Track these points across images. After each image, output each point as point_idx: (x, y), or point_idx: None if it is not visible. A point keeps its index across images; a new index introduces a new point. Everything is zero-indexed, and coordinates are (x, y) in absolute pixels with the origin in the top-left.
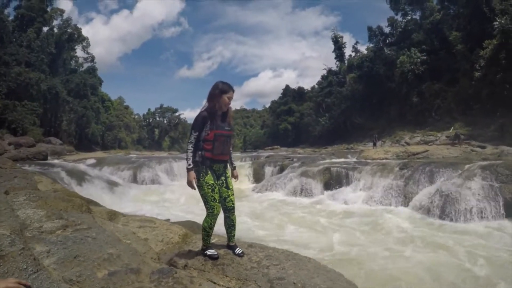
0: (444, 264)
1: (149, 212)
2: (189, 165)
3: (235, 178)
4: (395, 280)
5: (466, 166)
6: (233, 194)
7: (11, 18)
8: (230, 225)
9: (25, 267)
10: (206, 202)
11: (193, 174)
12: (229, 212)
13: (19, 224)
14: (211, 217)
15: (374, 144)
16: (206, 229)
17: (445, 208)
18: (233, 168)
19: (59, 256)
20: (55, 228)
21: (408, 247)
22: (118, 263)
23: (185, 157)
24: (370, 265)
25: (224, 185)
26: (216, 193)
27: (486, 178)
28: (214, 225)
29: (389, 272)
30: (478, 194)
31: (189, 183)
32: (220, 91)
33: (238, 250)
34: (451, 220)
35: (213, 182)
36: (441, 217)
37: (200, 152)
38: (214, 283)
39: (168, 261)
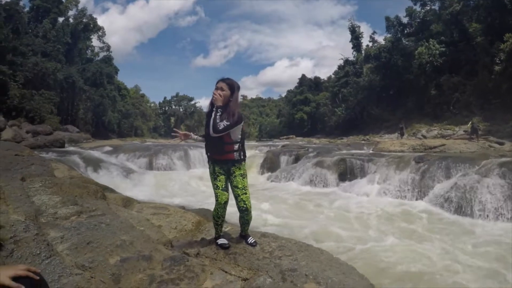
0: (459, 262)
1: (164, 199)
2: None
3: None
4: (407, 276)
5: (483, 162)
6: (244, 194)
7: (26, 9)
8: (244, 222)
9: (38, 252)
10: (214, 191)
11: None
12: (243, 213)
13: (34, 210)
14: (216, 205)
15: (401, 134)
16: (215, 218)
17: (461, 204)
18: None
19: (73, 242)
20: (69, 214)
21: (419, 241)
22: (131, 249)
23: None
24: (382, 259)
25: (232, 184)
26: (219, 181)
27: (503, 175)
28: (222, 215)
29: (402, 268)
30: (495, 191)
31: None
32: (237, 87)
33: (250, 240)
34: (466, 216)
35: (214, 171)
36: (456, 212)
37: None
38: (226, 272)
39: (180, 248)
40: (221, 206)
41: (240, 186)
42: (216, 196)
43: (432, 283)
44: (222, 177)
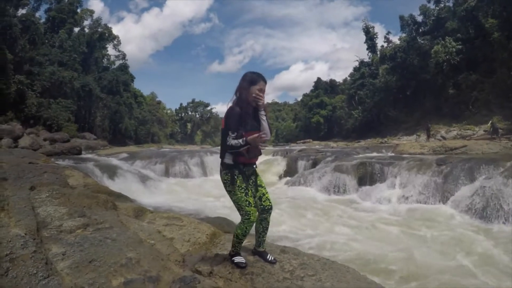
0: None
1: (179, 206)
2: (243, 140)
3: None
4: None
5: (508, 164)
6: (267, 192)
7: (42, 20)
8: (264, 228)
9: (35, 272)
10: (240, 208)
11: (252, 136)
12: (267, 213)
13: (36, 223)
14: (246, 224)
15: (428, 135)
16: (239, 236)
17: (487, 208)
18: None
19: (74, 260)
20: (75, 227)
21: (444, 252)
22: (137, 269)
23: (219, 143)
24: (411, 274)
25: (256, 184)
26: (250, 196)
27: None
28: (248, 233)
29: (430, 281)
30: None
31: (258, 142)
32: (248, 82)
33: (270, 257)
34: (492, 221)
35: (245, 185)
36: (482, 217)
37: (232, 155)
38: None
39: (193, 265)
40: (251, 224)
41: (263, 184)
42: (248, 214)
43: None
44: (251, 192)
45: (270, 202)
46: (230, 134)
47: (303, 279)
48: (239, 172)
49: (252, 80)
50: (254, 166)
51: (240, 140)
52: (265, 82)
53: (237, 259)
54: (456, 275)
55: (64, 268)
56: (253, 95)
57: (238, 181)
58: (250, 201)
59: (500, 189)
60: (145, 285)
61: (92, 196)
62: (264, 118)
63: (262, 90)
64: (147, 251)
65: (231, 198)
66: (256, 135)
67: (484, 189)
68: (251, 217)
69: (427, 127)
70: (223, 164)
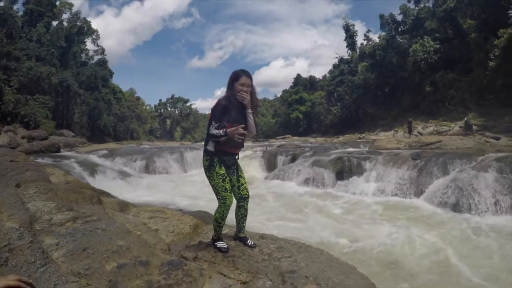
0: (458, 259)
1: (161, 202)
2: (223, 131)
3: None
4: (406, 275)
5: (480, 158)
6: (246, 183)
7: (20, 13)
8: (243, 215)
9: (33, 260)
10: (217, 193)
11: (232, 129)
12: (244, 201)
13: (28, 217)
14: (223, 207)
15: (409, 130)
16: (218, 220)
17: (459, 200)
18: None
19: (68, 249)
20: (65, 220)
21: (417, 240)
22: (127, 255)
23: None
24: (382, 258)
25: (236, 174)
26: (227, 183)
27: (501, 170)
28: (226, 216)
29: (401, 266)
30: (493, 186)
31: (236, 134)
32: (231, 80)
33: (249, 242)
34: (464, 212)
35: (223, 172)
36: (454, 209)
37: (214, 143)
38: (224, 275)
39: (178, 252)
40: (227, 208)
41: (243, 175)
42: (224, 199)
43: (430, 281)
44: (228, 179)
45: (247, 192)
46: (213, 123)
47: (280, 260)
48: (218, 160)
49: (234, 77)
50: (236, 157)
51: (221, 131)
52: (248, 77)
53: (220, 244)
54: (426, 263)
55: (59, 257)
56: (238, 93)
57: (216, 168)
58: (227, 187)
59: (472, 182)
60: (136, 268)
61: (78, 191)
62: (251, 116)
63: (246, 84)
64: (135, 239)
65: (209, 183)
66: (234, 128)
67: (457, 181)
68: (227, 201)
69: (409, 122)
70: (205, 151)
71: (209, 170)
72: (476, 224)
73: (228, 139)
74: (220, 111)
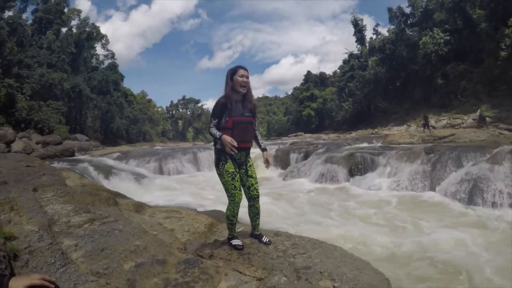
0: (473, 255)
1: (175, 202)
2: (219, 135)
3: (266, 163)
4: (421, 270)
5: (494, 150)
6: (257, 183)
7: (29, 22)
8: (255, 213)
9: (53, 261)
10: (227, 190)
11: (227, 137)
12: (254, 201)
13: (47, 220)
14: (232, 205)
15: (425, 125)
16: (230, 218)
17: (473, 193)
18: (263, 149)
19: (87, 249)
20: (82, 222)
21: (432, 234)
22: (145, 254)
23: (212, 139)
24: (396, 254)
25: (247, 174)
26: (237, 181)
27: None
28: (237, 213)
29: (416, 262)
30: (508, 179)
31: (227, 145)
32: (230, 74)
33: (265, 239)
34: (479, 205)
35: (233, 170)
36: (469, 202)
37: (220, 141)
38: (240, 272)
39: (194, 251)
40: (237, 205)
41: (254, 175)
42: (233, 196)
43: (445, 277)
44: (238, 177)
45: (257, 192)
46: (212, 121)
47: (294, 256)
48: (228, 157)
49: (232, 72)
50: (248, 153)
51: (217, 134)
52: (245, 69)
53: (235, 241)
54: (444, 258)
55: (79, 257)
56: (241, 79)
57: (226, 165)
58: (236, 185)
59: (486, 175)
60: (154, 267)
61: (95, 193)
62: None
63: (245, 76)
64: (152, 239)
65: (220, 180)
66: (229, 139)
67: (471, 175)
68: (236, 198)
69: (425, 118)
70: (215, 149)
71: (218, 167)
72: (492, 217)
73: (234, 135)
74: (219, 109)
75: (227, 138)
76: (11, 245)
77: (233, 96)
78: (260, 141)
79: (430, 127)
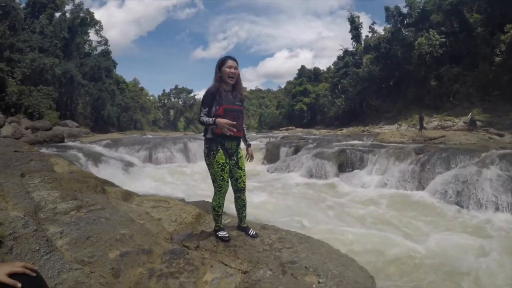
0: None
1: (164, 192)
2: (212, 120)
3: (250, 157)
4: (405, 267)
5: (483, 154)
6: (245, 175)
7: (22, 5)
8: (241, 205)
9: (37, 248)
10: (214, 180)
11: (222, 120)
12: (240, 193)
13: (33, 206)
14: (218, 195)
15: (421, 126)
16: (215, 208)
17: (460, 196)
18: (248, 145)
19: (72, 237)
20: (69, 209)
21: (418, 234)
22: (130, 243)
23: (203, 130)
24: (381, 251)
25: (237, 165)
26: (226, 172)
27: (504, 167)
28: (222, 204)
29: (400, 259)
30: (495, 183)
31: (224, 126)
32: (219, 65)
33: (251, 232)
34: (466, 207)
35: (223, 162)
36: (457, 203)
37: (211, 129)
38: (226, 264)
39: (180, 241)
40: (223, 195)
41: (243, 167)
42: (220, 187)
43: (427, 275)
44: (228, 168)
45: (244, 184)
46: (202, 109)
47: (281, 250)
48: (219, 146)
49: (221, 63)
50: (237, 145)
51: (210, 119)
52: (233, 59)
53: (221, 233)
54: (428, 259)
55: (64, 245)
56: (228, 71)
57: (217, 156)
58: (225, 176)
59: (474, 178)
60: (139, 257)
61: (82, 180)
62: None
63: (233, 67)
64: (138, 228)
65: (209, 170)
66: (224, 120)
67: (459, 177)
68: (222, 189)
69: (421, 118)
70: (205, 139)
71: (208, 157)
72: (479, 220)
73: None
74: (209, 98)
75: (222, 120)
76: None
77: (223, 86)
78: (247, 136)
79: (418, 127)
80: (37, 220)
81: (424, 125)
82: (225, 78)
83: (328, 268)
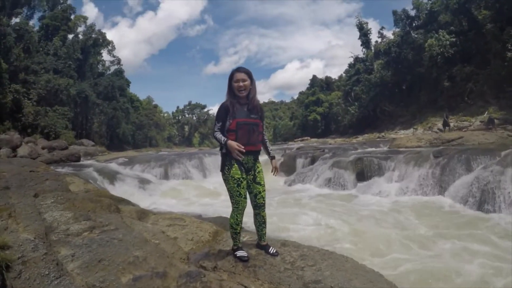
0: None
1: (180, 209)
2: (224, 140)
3: (275, 170)
4: (434, 281)
5: (503, 153)
6: (264, 190)
7: (36, 28)
8: (261, 222)
9: (47, 273)
10: (231, 196)
11: (232, 143)
12: (260, 209)
13: (44, 228)
14: (236, 212)
15: (446, 125)
16: (233, 226)
17: (483, 198)
18: (271, 157)
19: (84, 260)
20: (81, 230)
21: (443, 242)
22: (144, 266)
23: (218, 145)
24: (409, 264)
25: (255, 181)
26: (243, 188)
27: None
28: (241, 221)
29: (428, 271)
30: None
31: (234, 151)
32: (229, 79)
33: (271, 250)
34: (490, 211)
35: (239, 177)
36: (479, 207)
37: (226, 146)
38: (245, 287)
39: (197, 262)
40: (240, 212)
41: (262, 183)
42: (237, 203)
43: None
44: (245, 184)
45: (263, 200)
46: (216, 124)
47: (303, 269)
48: (233, 161)
49: (229, 77)
50: (255, 159)
51: (223, 139)
52: (242, 71)
53: (240, 253)
54: (455, 267)
55: (75, 269)
56: (236, 85)
57: (232, 171)
58: (241, 192)
59: (497, 178)
60: (153, 281)
61: (96, 200)
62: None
63: (240, 80)
64: (153, 249)
65: (225, 186)
66: (234, 145)
67: (481, 179)
68: (240, 205)
69: (446, 117)
70: (221, 154)
71: (224, 172)
72: (503, 223)
73: (238, 137)
74: (222, 112)
75: (232, 143)
76: (4, 254)
77: (236, 99)
78: (269, 148)
79: (435, 130)
80: (48, 242)
81: (440, 126)
82: (235, 92)
83: (355, 286)
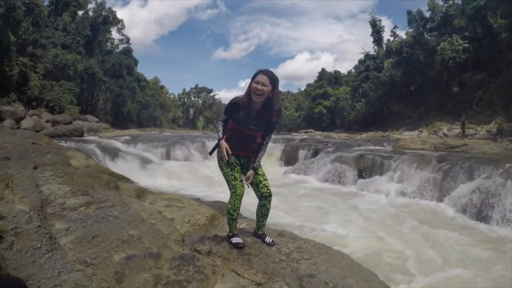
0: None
1: (180, 190)
2: (219, 136)
3: (246, 178)
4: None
5: (508, 165)
6: (266, 180)
7: (46, 3)
8: (263, 213)
9: (39, 245)
10: (227, 182)
11: (223, 143)
12: (265, 200)
13: (40, 200)
14: (234, 197)
15: (463, 130)
16: (230, 212)
17: (483, 208)
18: (253, 167)
19: (77, 235)
20: (78, 204)
21: (436, 249)
22: (138, 246)
23: (218, 129)
24: (404, 266)
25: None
26: (237, 172)
27: None
28: (238, 208)
29: (422, 276)
30: None
31: (222, 151)
32: (252, 78)
33: (268, 239)
34: (489, 221)
35: (232, 162)
36: (477, 217)
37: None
38: (239, 274)
39: (192, 245)
40: (238, 198)
41: (261, 172)
42: (234, 188)
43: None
44: (239, 168)
45: (267, 190)
46: (223, 115)
47: (298, 262)
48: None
49: (253, 76)
50: (249, 161)
51: (220, 134)
52: (266, 74)
53: (235, 239)
54: (447, 276)
55: (67, 243)
56: (254, 86)
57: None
58: (236, 176)
59: (498, 190)
60: (146, 261)
61: (95, 176)
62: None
63: (260, 82)
64: (148, 229)
65: (221, 172)
66: (224, 148)
67: (482, 188)
68: (237, 190)
69: (463, 121)
70: (219, 139)
71: (218, 159)
72: (499, 236)
73: (231, 139)
74: (230, 107)
75: (223, 145)
76: None
77: (250, 102)
78: (259, 158)
79: (440, 134)
80: (43, 215)
81: (446, 132)
82: (252, 93)
83: (349, 283)
